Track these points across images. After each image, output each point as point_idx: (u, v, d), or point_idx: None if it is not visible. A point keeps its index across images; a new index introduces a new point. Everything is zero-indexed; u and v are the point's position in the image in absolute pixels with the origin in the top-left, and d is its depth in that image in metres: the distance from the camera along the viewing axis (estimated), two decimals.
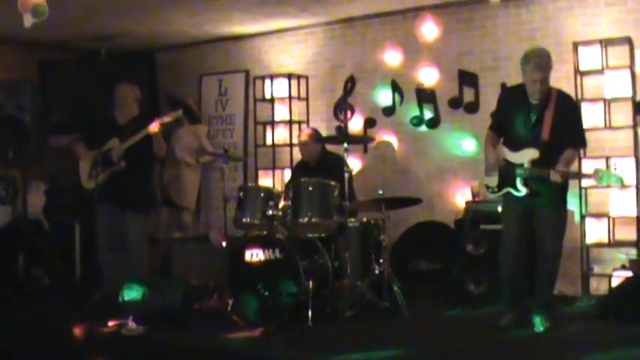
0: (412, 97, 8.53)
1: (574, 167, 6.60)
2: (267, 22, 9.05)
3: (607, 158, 7.20)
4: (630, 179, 7.12)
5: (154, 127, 6.98)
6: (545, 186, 5.81)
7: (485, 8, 8.06)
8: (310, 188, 6.63)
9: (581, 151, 7.26)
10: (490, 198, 6.82)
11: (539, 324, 5.86)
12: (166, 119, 7.20)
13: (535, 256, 6.10)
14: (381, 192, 6.77)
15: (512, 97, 6.21)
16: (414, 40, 8.54)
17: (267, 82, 9.31)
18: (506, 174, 5.98)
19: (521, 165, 5.89)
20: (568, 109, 5.93)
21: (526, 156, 5.87)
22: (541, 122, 5.85)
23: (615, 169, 5.79)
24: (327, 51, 9.17)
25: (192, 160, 9.40)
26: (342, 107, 9.01)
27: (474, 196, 7.68)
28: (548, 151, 5.79)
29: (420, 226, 8.10)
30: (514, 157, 5.98)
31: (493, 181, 6.12)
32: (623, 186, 5.88)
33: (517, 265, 6.08)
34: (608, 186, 5.94)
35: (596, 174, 5.66)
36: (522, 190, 5.89)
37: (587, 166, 7.28)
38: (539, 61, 5.80)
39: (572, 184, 7.33)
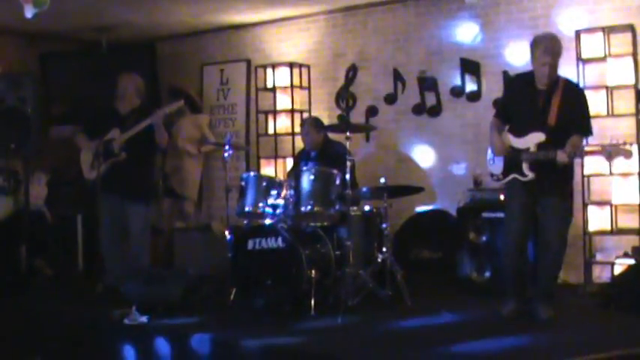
0: (414, 85, 8.52)
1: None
2: (269, 10, 9.03)
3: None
4: (633, 167, 7.11)
5: (157, 117, 6.98)
6: (551, 172, 5.80)
7: None
8: (312, 177, 6.61)
9: (583, 139, 7.27)
10: (493, 186, 6.82)
11: (541, 312, 5.86)
12: (168, 110, 7.20)
13: (539, 245, 6.11)
14: (383, 180, 6.76)
15: (519, 83, 6.21)
16: (416, 29, 8.52)
17: (269, 71, 9.30)
18: (512, 160, 5.97)
19: (527, 149, 5.88)
20: (575, 96, 5.92)
21: (532, 140, 5.86)
22: (548, 108, 5.83)
23: (624, 143, 5.77)
24: (329, 40, 9.15)
25: (194, 150, 9.40)
26: (343, 96, 9.00)
27: (476, 184, 7.66)
28: (555, 135, 5.78)
29: (422, 215, 8.11)
30: (520, 142, 5.96)
31: (497, 168, 6.12)
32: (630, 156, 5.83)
33: (519, 255, 6.06)
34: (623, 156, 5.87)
35: (604, 150, 5.67)
36: (529, 175, 5.86)
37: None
38: (549, 45, 5.79)
39: (575, 173, 7.34)
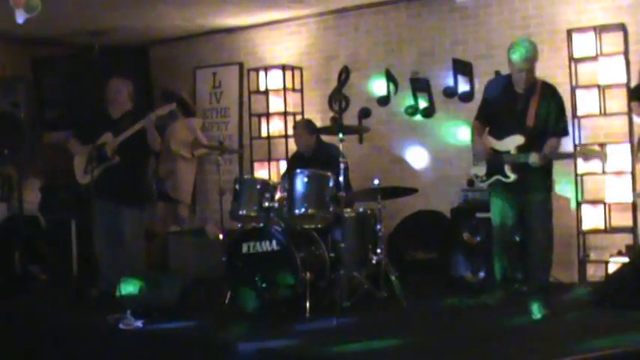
0: (407, 86, 8.53)
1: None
2: (260, 13, 9.03)
3: (602, 145, 7.21)
4: (625, 165, 7.13)
5: (148, 120, 6.97)
6: (533, 171, 5.97)
7: None
8: (306, 179, 6.61)
9: (576, 138, 7.29)
10: (481, 186, 6.87)
11: (536, 311, 5.88)
12: (160, 112, 7.19)
13: (528, 243, 6.20)
14: (376, 182, 6.76)
15: (498, 87, 6.34)
16: (408, 30, 8.53)
17: (262, 74, 9.31)
18: (494, 162, 6.16)
19: (508, 152, 6.06)
20: (552, 98, 6.08)
21: (512, 142, 6.05)
22: (526, 110, 6.01)
23: (598, 145, 5.95)
24: (321, 42, 9.16)
25: (188, 153, 9.40)
26: (336, 98, 9.01)
27: (469, 184, 7.68)
28: (533, 137, 5.98)
29: (416, 216, 8.11)
30: (500, 145, 6.16)
31: (481, 170, 6.30)
32: (605, 160, 6.06)
33: (507, 251, 6.31)
34: (599, 158, 6.08)
35: (579, 152, 5.80)
36: (511, 176, 6.07)
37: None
38: (524, 52, 5.92)
39: (568, 172, 7.37)
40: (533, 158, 5.88)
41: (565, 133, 6.14)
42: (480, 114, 6.42)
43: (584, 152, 6.03)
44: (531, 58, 5.94)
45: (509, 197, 6.18)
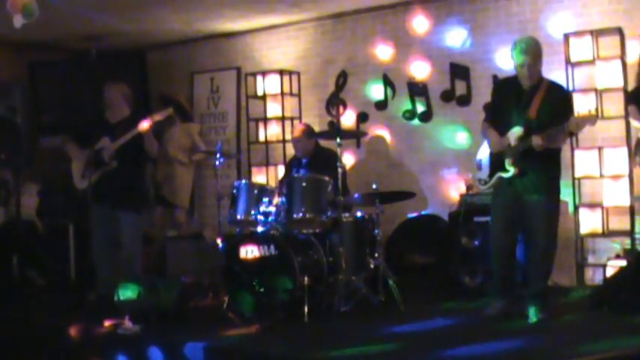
0: (404, 91, 8.54)
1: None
2: (258, 18, 9.04)
3: (599, 148, 7.22)
4: (623, 169, 7.14)
5: (145, 125, 6.96)
6: (535, 167, 5.86)
7: (475, 1, 8.06)
8: (304, 184, 6.62)
9: (573, 142, 7.29)
10: (484, 190, 6.83)
11: (533, 315, 5.88)
12: (157, 117, 7.19)
13: (529, 246, 6.15)
14: (374, 186, 6.76)
15: (505, 86, 6.28)
16: (405, 34, 8.54)
17: (259, 78, 9.30)
18: (497, 160, 6.06)
19: (509, 145, 5.95)
20: (558, 95, 5.97)
21: (512, 135, 5.93)
22: (529, 103, 5.90)
23: (590, 110, 5.72)
24: (318, 46, 9.16)
25: (185, 158, 9.39)
26: (334, 102, 9.01)
27: (467, 188, 7.68)
28: (534, 128, 5.81)
29: (414, 220, 8.12)
30: (503, 140, 6.02)
31: (484, 173, 6.22)
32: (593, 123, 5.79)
33: (506, 255, 6.14)
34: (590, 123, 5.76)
35: (572, 122, 5.61)
36: (511, 170, 5.93)
37: (579, 157, 7.31)
38: (523, 46, 5.86)
39: (565, 175, 7.36)
40: (535, 140, 5.70)
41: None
42: (488, 115, 6.36)
43: (577, 122, 5.61)
44: (530, 52, 5.84)
45: (510, 197, 6.02)
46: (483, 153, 6.32)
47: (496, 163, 6.07)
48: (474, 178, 6.70)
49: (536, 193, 5.93)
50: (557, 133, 5.72)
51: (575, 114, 5.68)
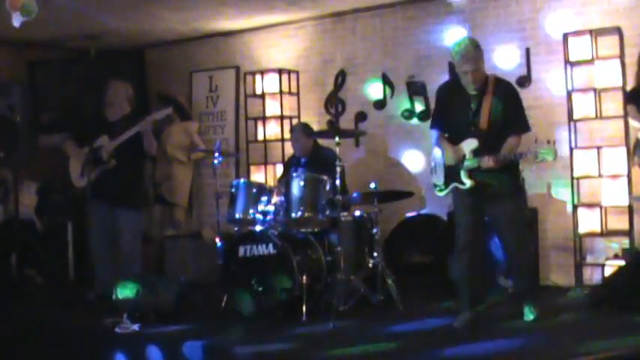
0: (403, 90, 8.53)
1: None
2: (257, 17, 9.03)
3: (598, 148, 7.22)
4: (622, 169, 7.14)
5: (145, 124, 6.97)
6: (491, 176, 5.72)
7: (474, 0, 8.06)
8: (302, 183, 6.62)
9: (572, 142, 7.30)
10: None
11: (527, 312, 5.87)
12: (156, 116, 7.19)
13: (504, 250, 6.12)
14: (373, 185, 6.77)
15: (449, 91, 6.07)
16: (404, 34, 8.53)
17: (258, 77, 9.29)
18: (451, 169, 5.87)
19: (463, 157, 5.78)
20: (506, 94, 5.80)
21: (467, 147, 5.77)
22: (479, 112, 5.74)
23: (549, 142, 5.55)
24: (318, 45, 9.16)
25: (184, 157, 9.39)
26: (332, 101, 9.01)
27: None
28: (488, 139, 5.69)
29: (412, 219, 8.11)
30: (456, 150, 5.85)
31: (439, 179, 6.02)
32: (555, 159, 5.63)
33: (472, 263, 5.93)
34: (544, 160, 5.63)
35: (532, 152, 5.52)
36: (467, 183, 5.76)
37: (578, 156, 7.31)
38: (465, 53, 5.67)
39: (565, 175, 7.38)
40: (486, 162, 5.58)
41: (525, 129, 5.81)
42: (435, 123, 6.09)
43: (535, 154, 5.48)
44: (472, 58, 5.66)
45: (472, 202, 5.82)
46: (436, 157, 6.09)
47: (451, 171, 5.87)
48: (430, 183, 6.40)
49: (499, 200, 5.78)
50: (510, 157, 5.63)
51: (538, 147, 5.52)
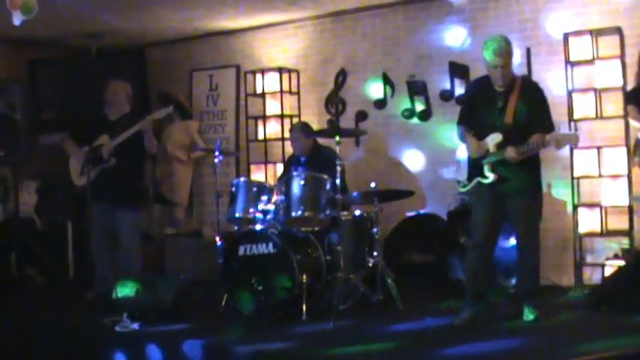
0: (403, 89, 8.53)
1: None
2: (257, 16, 9.03)
3: (598, 148, 7.22)
4: (622, 169, 7.14)
5: (145, 123, 6.97)
6: (514, 171, 5.82)
7: (475, 0, 8.06)
8: (302, 182, 6.62)
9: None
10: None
11: (527, 313, 5.89)
12: (157, 115, 7.20)
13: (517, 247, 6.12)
14: (373, 185, 6.77)
15: (478, 87, 6.20)
16: (404, 33, 8.53)
17: (258, 76, 9.29)
18: (475, 164, 5.99)
19: (487, 151, 5.90)
20: (532, 94, 5.91)
21: (491, 141, 5.88)
22: (505, 107, 5.85)
23: (570, 129, 5.65)
24: (318, 45, 9.16)
25: (184, 156, 9.39)
26: (333, 101, 9.01)
27: None
28: (513, 134, 5.79)
29: (412, 219, 8.11)
30: (481, 145, 5.96)
31: (462, 175, 6.12)
32: (576, 145, 5.78)
33: (482, 260, 6.02)
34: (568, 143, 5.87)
35: (554, 138, 5.61)
36: (490, 177, 5.87)
37: (578, 156, 7.31)
38: (497, 47, 5.77)
39: (565, 175, 7.38)
40: (510, 152, 5.70)
41: (550, 129, 5.86)
42: (463, 118, 6.20)
43: (557, 139, 5.62)
44: (504, 53, 5.76)
45: (491, 199, 5.91)
46: (462, 154, 6.24)
47: (475, 166, 6.00)
48: (454, 178, 6.58)
49: (519, 197, 5.87)
50: (533, 148, 5.73)
51: (560, 131, 5.67)
